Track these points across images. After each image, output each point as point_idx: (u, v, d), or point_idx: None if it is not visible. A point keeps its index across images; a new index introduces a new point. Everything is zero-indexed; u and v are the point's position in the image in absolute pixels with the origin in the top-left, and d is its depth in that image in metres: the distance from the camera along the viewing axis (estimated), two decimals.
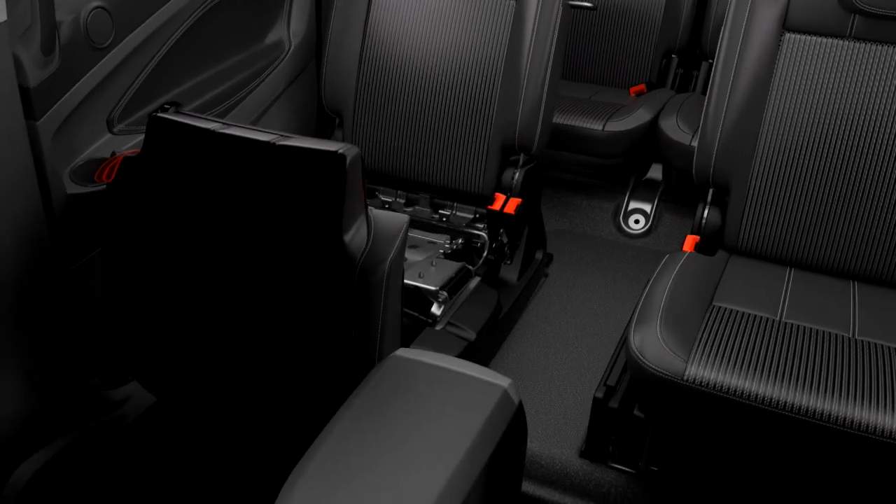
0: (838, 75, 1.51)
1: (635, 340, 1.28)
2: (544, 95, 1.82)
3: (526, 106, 1.81)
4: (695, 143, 2.16)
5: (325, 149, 1.03)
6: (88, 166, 1.45)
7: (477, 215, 1.98)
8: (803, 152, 1.53)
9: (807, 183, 1.53)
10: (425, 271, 1.75)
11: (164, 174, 1.14)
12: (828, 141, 1.52)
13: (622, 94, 2.56)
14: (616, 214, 2.48)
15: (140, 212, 1.18)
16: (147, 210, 1.17)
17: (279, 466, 1.32)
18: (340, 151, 1.03)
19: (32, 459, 1.36)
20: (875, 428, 1.14)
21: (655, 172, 2.56)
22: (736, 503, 1.46)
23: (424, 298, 1.72)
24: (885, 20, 1.48)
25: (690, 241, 1.65)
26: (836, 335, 1.32)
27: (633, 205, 2.47)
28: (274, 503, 0.86)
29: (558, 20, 1.80)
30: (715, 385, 1.21)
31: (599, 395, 1.50)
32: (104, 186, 1.43)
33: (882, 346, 1.30)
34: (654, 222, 2.44)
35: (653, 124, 2.28)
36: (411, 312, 1.72)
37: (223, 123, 1.13)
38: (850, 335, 1.33)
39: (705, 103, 1.61)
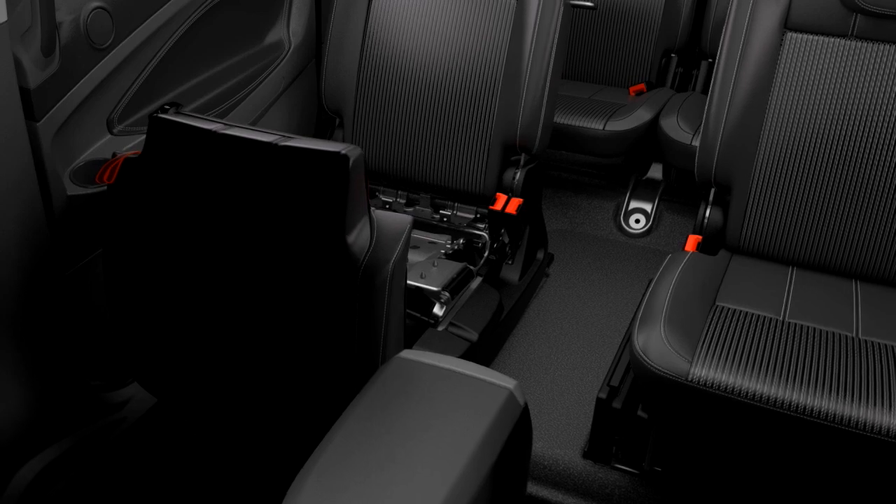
0: (840, 75, 1.51)
1: (639, 341, 1.28)
2: (545, 95, 1.81)
3: (527, 105, 1.81)
4: (695, 143, 2.16)
5: (327, 149, 1.03)
6: (89, 167, 1.44)
7: (478, 215, 1.97)
8: (805, 151, 1.53)
9: (808, 182, 1.53)
10: (427, 272, 1.75)
11: (166, 175, 1.13)
12: (829, 140, 1.51)
13: (622, 93, 2.56)
14: (617, 214, 2.47)
15: (141, 213, 1.17)
16: (148, 211, 1.16)
17: (282, 468, 1.32)
18: (343, 152, 1.02)
19: (34, 462, 1.36)
20: (880, 428, 1.14)
21: (655, 172, 2.55)
22: (740, 503, 1.46)
23: (426, 299, 1.71)
24: (888, 19, 1.48)
25: (692, 241, 1.65)
26: (840, 335, 1.32)
27: (633, 204, 2.47)
28: None
29: (559, 20, 1.79)
30: (719, 385, 1.20)
31: (603, 395, 1.50)
32: (105, 187, 1.43)
33: (886, 345, 1.30)
34: (655, 222, 2.44)
35: (653, 124, 2.28)
36: (413, 313, 1.72)
37: (224, 124, 1.12)
38: (854, 335, 1.33)
39: (707, 103, 1.61)
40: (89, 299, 1.46)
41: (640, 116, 2.26)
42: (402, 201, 2.03)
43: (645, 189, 2.50)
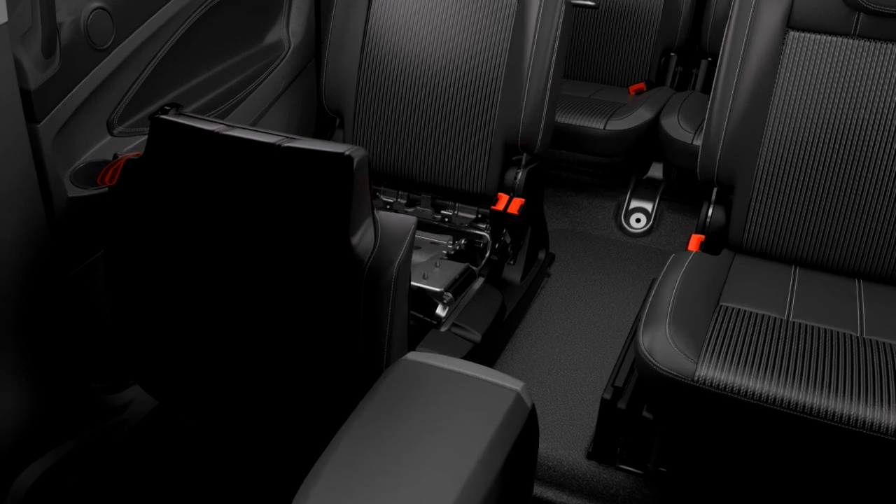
0: (843, 73, 1.51)
1: (644, 341, 1.27)
2: (547, 95, 1.81)
3: (529, 105, 1.81)
4: (697, 142, 2.16)
5: (331, 150, 1.02)
6: (89, 169, 1.43)
7: (479, 215, 1.97)
8: (808, 151, 1.53)
9: (811, 181, 1.53)
10: (429, 272, 1.74)
11: (168, 176, 1.13)
12: (832, 139, 1.51)
13: (622, 92, 2.56)
14: (617, 213, 2.47)
15: (143, 215, 1.16)
16: (150, 213, 1.15)
17: (287, 471, 1.31)
18: (347, 153, 1.01)
19: (34, 466, 1.35)
20: (887, 428, 1.14)
21: (656, 171, 2.55)
22: (746, 503, 1.46)
23: (429, 300, 1.71)
24: (890, 18, 1.48)
25: (695, 241, 1.64)
26: (845, 334, 1.32)
27: (634, 203, 2.47)
28: None
29: (561, 19, 1.79)
30: (725, 386, 1.20)
31: (607, 396, 1.50)
32: (106, 189, 1.42)
33: (891, 345, 1.30)
34: (656, 221, 2.44)
35: (654, 123, 2.27)
36: (416, 314, 1.71)
37: (227, 125, 1.11)
38: (858, 334, 1.33)
39: (709, 102, 1.61)
40: (90, 301, 1.45)
41: (641, 116, 2.26)
42: (403, 201, 2.02)
43: (645, 188, 2.50)
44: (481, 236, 1.94)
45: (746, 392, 1.19)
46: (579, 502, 1.54)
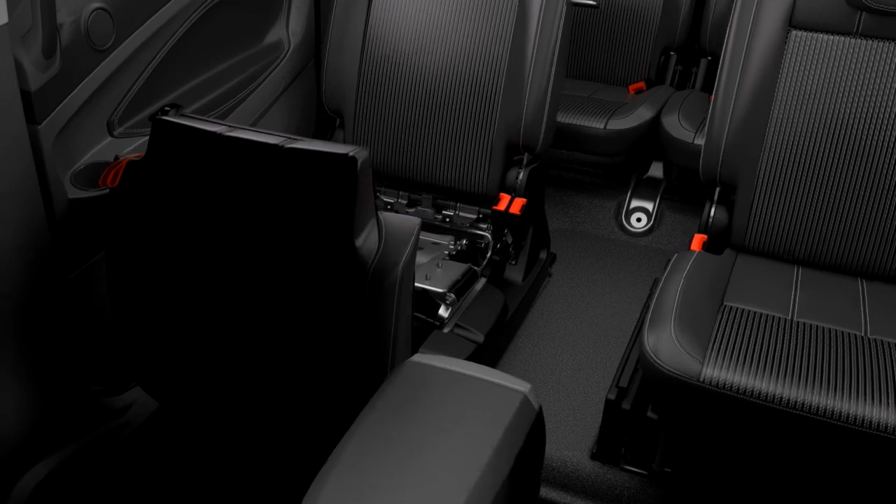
0: (845, 72, 1.51)
1: (649, 341, 1.27)
2: (548, 94, 1.80)
3: (530, 105, 1.80)
4: (698, 141, 2.16)
5: (335, 151, 1.01)
6: (90, 170, 1.42)
7: (480, 215, 1.96)
8: (810, 150, 1.53)
9: (813, 181, 1.53)
10: (432, 273, 1.74)
11: (170, 178, 1.12)
12: (834, 138, 1.51)
13: (621, 91, 2.55)
14: (618, 213, 2.47)
15: (145, 216, 1.15)
16: (152, 214, 1.15)
17: (290, 474, 1.31)
18: (351, 154, 1.01)
19: (36, 470, 1.34)
20: (894, 428, 1.13)
21: (656, 170, 2.55)
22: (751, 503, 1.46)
23: (431, 301, 1.70)
24: (892, 17, 1.48)
25: (698, 240, 1.64)
26: (849, 334, 1.32)
27: (634, 203, 2.47)
28: None
29: (562, 18, 1.78)
30: (731, 386, 1.20)
31: (612, 396, 1.49)
32: (107, 191, 1.41)
33: (895, 344, 1.30)
34: (657, 220, 2.43)
35: (654, 122, 2.27)
36: (418, 315, 1.71)
37: (229, 126, 1.11)
38: (863, 334, 1.33)
39: (712, 102, 1.60)
40: (90, 303, 1.45)
41: (642, 115, 2.25)
42: (404, 202, 2.01)
43: (646, 188, 2.50)
44: (482, 236, 1.94)
45: (752, 392, 1.19)
46: (583, 503, 1.54)
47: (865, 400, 1.16)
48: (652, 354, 1.25)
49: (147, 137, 1.53)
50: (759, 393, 1.19)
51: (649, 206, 2.45)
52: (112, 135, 1.48)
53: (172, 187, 1.12)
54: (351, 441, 0.92)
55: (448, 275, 1.73)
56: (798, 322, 1.34)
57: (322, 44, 2.13)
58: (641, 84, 2.56)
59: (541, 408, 1.01)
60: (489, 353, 1.74)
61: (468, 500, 0.84)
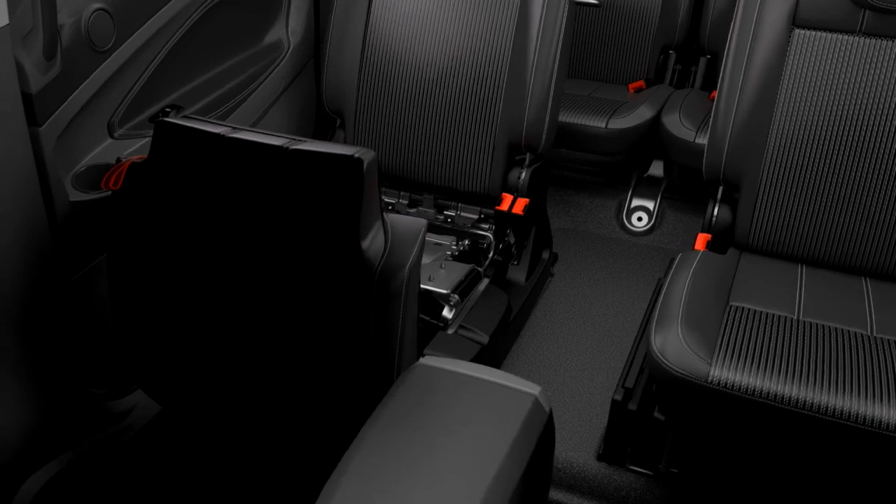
0: (848, 71, 1.50)
1: (656, 342, 1.27)
2: (551, 94, 1.79)
3: (533, 105, 1.79)
4: (699, 140, 2.15)
5: (341, 153, 1.01)
6: (90, 172, 1.41)
7: (482, 216, 1.95)
8: (814, 149, 1.52)
9: (817, 180, 1.53)
10: (435, 274, 1.73)
11: (173, 180, 1.11)
12: (838, 137, 1.51)
13: (621, 90, 2.55)
14: (619, 212, 2.47)
15: (148, 219, 1.14)
16: (155, 217, 1.14)
17: (296, 479, 1.30)
18: (357, 155, 1.00)
19: (38, 475, 1.33)
20: None
21: (656, 169, 2.55)
22: None
23: (435, 302, 1.69)
24: None
25: (702, 240, 1.64)
26: (856, 333, 1.32)
27: (635, 202, 2.46)
28: None
29: (564, 17, 1.78)
30: (740, 387, 1.19)
31: (618, 397, 1.49)
32: (107, 193, 1.40)
33: None
34: (658, 219, 2.43)
35: (655, 121, 2.27)
36: (422, 316, 1.70)
37: (232, 127, 1.10)
38: (869, 333, 1.33)
39: (715, 101, 1.60)
40: (91, 306, 1.43)
41: (642, 114, 2.25)
42: (405, 202, 2.00)
43: (647, 187, 2.49)
44: (484, 237, 1.93)
45: (760, 393, 1.19)
46: None
47: (874, 400, 1.16)
48: (659, 355, 1.25)
49: (148, 139, 1.52)
50: (768, 393, 1.18)
51: (650, 205, 2.45)
52: (112, 136, 1.47)
53: (175, 189, 1.11)
54: (362, 445, 0.91)
55: (451, 276, 1.72)
56: (804, 322, 1.34)
57: (322, 44, 2.11)
58: (641, 83, 2.56)
59: (551, 410, 1.01)
60: (494, 354, 1.74)
61: (482, 502, 0.83)
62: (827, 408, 1.16)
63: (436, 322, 1.68)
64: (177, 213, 1.12)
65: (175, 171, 1.10)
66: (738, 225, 1.61)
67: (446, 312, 1.68)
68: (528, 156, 1.88)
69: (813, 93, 1.52)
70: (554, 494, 1.56)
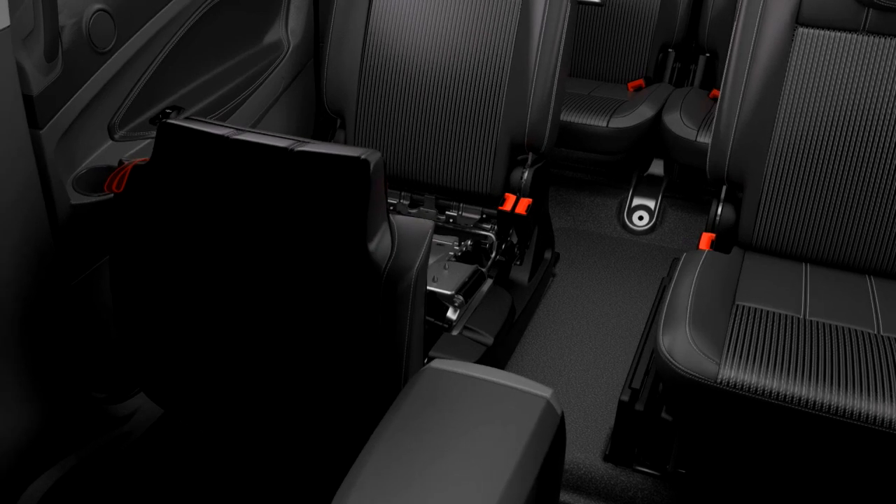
0: (852, 69, 1.50)
1: (664, 342, 1.26)
2: (553, 94, 1.79)
3: (535, 104, 1.79)
4: (700, 139, 2.15)
5: (347, 154, 1.00)
6: (91, 175, 1.40)
7: (484, 215, 1.95)
8: (818, 147, 1.52)
9: (821, 178, 1.53)
10: (438, 275, 1.72)
11: (176, 182, 1.10)
12: (842, 135, 1.51)
13: (620, 89, 2.55)
14: (620, 211, 2.46)
15: (151, 222, 1.13)
16: (158, 220, 1.12)
17: (302, 484, 1.29)
18: (363, 157, 0.99)
19: (41, 480, 1.32)
20: None
21: (657, 168, 2.54)
22: None
23: (439, 303, 1.68)
24: None
25: (706, 239, 1.63)
26: (862, 332, 1.31)
27: (636, 201, 2.46)
28: None
29: (566, 16, 1.77)
30: (749, 387, 1.19)
31: (625, 398, 1.48)
32: (109, 196, 1.39)
33: None
34: (659, 218, 2.43)
35: (656, 120, 2.26)
36: (426, 318, 1.69)
37: (236, 129, 1.09)
38: (875, 332, 1.32)
39: (719, 100, 1.59)
40: (93, 309, 1.42)
41: (643, 113, 2.25)
42: (406, 202, 1.99)
43: (647, 186, 2.49)
44: (486, 237, 1.92)
45: (771, 393, 1.18)
46: None
47: (885, 399, 1.16)
48: (667, 355, 1.24)
49: (148, 140, 1.51)
50: (777, 393, 1.18)
51: (651, 204, 2.45)
52: (113, 138, 1.45)
53: (179, 192, 1.10)
54: (374, 450, 0.90)
55: (455, 276, 1.72)
56: (811, 321, 1.34)
57: (321, 43, 2.10)
58: (641, 81, 2.55)
59: (563, 413, 1.00)
60: (498, 355, 1.73)
61: None
62: (837, 408, 1.16)
63: (440, 323, 1.67)
64: (180, 216, 1.10)
65: (179, 174, 1.09)
66: (741, 224, 1.60)
67: (450, 314, 1.67)
68: (530, 155, 1.87)
69: (816, 91, 1.52)
70: (561, 496, 1.55)
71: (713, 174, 1.62)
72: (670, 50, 2.61)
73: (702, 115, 2.26)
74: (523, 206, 1.81)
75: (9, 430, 1.26)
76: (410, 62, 1.88)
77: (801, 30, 1.54)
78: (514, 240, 1.92)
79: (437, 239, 1.90)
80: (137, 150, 1.49)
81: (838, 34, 1.52)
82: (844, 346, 1.27)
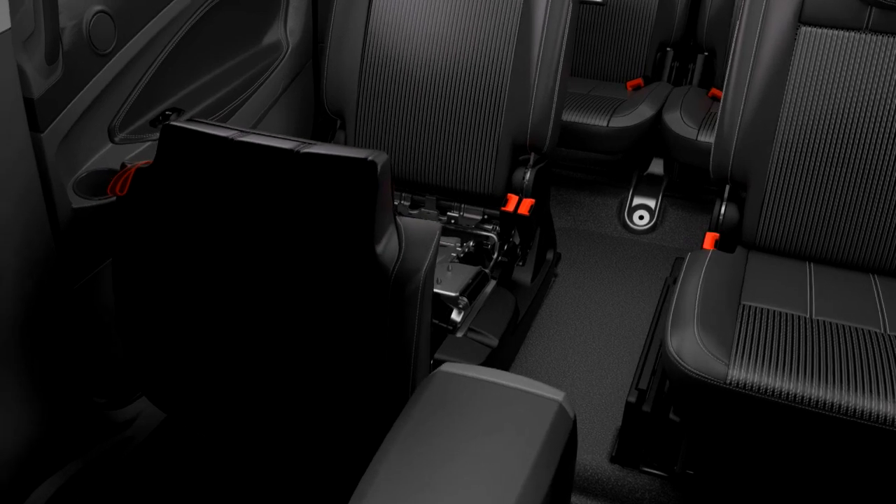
0: (855, 68, 1.50)
1: (672, 344, 1.26)
2: (556, 93, 1.78)
3: (537, 104, 1.78)
4: (701, 138, 2.15)
5: (354, 156, 0.99)
6: (92, 178, 1.38)
7: (485, 216, 1.94)
8: (820, 146, 1.52)
9: (824, 177, 1.53)
10: (442, 277, 1.71)
11: (180, 185, 1.08)
12: (845, 134, 1.51)
13: (619, 88, 2.54)
14: (620, 211, 2.46)
15: (154, 224, 1.12)
16: (162, 222, 1.11)
17: (308, 490, 1.27)
18: (370, 158, 0.98)
19: (43, 486, 1.30)
20: None
21: (657, 167, 2.54)
22: None
23: (443, 305, 1.67)
24: None
25: (710, 239, 1.63)
26: (869, 331, 1.31)
27: (637, 200, 2.46)
28: None
29: (568, 16, 1.76)
30: (759, 388, 1.19)
31: (632, 399, 1.48)
32: (110, 199, 1.37)
33: None
34: (659, 218, 2.43)
35: (656, 119, 2.26)
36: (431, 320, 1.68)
37: (240, 131, 1.08)
38: (882, 331, 1.32)
39: (722, 99, 1.59)
40: (94, 313, 1.41)
41: (643, 112, 2.24)
42: (407, 203, 1.98)
43: (647, 185, 2.49)
44: (488, 237, 1.91)
45: (780, 393, 1.18)
46: None
47: (894, 399, 1.16)
48: (676, 356, 1.24)
49: (148, 143, 1.49)
50: (787, 394, 1.18)
51: (651, 203, 2.44)
52: (113, 141, 1.44)
53: (183, 194, 1.08)
54: (387, 457, 0.89)
55: (459, 278, 1.71)
56: (818, 321, 1.34)
57: (320, 44, 2.09)
58: (639, 80, 2.55)
59: (575, 416, 0.99)
60: (503, 356, 1.72)
61: None
62: (847, 408, 1.16)
63: (444, 325, 1.66)
64: (184, 219, 1.09)
65: (182, 176, 1.08)
66: (745, 223, 1.60)
67: (455, 316, 1.66)
68: (532, 155, 1.87)
69: (819, 90, 1.52)
70: None
71: (716, 173, 1.62)
72: (668, 48, 2.61)
73: (702, 114, 2.26)
74: (526, 206, 1.80)
75: (10, 437, 1.24)
76: (411, 62, 1.87)
77: (803, 28, 1.53)
78: (517, 240, 1.92)
79: (441, 240, 1.89)
80: (138, 152, 1.48)
81: (841, 33, 1.51)
82: (852, 345, 1.27)
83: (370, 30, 1.89)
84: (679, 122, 2.19)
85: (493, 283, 1.80)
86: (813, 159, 1.53)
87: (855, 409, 1.15)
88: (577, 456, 1.59)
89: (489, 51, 1.81)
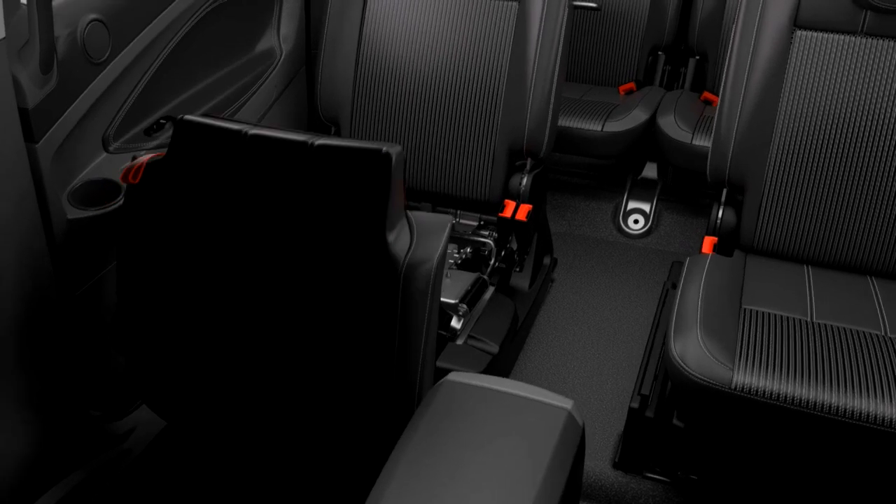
0: (851, 72, 1.51)
1: (676, 349, 1.25)
2: (552, 99, 1.78)
3: (534, 110, 1.78)
4: (696, 142, 2.16)
5: (369, 147, 0.98)
6: (87, 188, 1.36)
7: (482, 222, 1.93)
8: (817, 149, 1.53)
9: (821, 181, 1.53)
10: (441, 283, 1.70)
11: (192, 178, 1.07)
12: (841, 137, 1.51)
13: (612, 92, 2.55)
14: (615, 215, 2.46)
15: (165, 217, 1.11)
16: (172, 215, 1.10)
17: (312, 498, 1.26)
18: (385, 150, 0.98)
19: (42, 501, 1.27)
20: None
21: (650, 171, 2.55)
22: None
23: (442, 312, 1.66)
24: None
25: (708, 243, 1.63)
26: (870, 334, 1.32)
27: (631, 205, 2.46)
28: None
29: (564, 21, 1.76)
30: (764, 392, 1.18)
31: (635, 405, 1.47)
32: (106, 210, 1.35)
33: None
34: (654, 222, 2.43)
35: (650, 123, 2.26)
36: None
37: (251, 124, 1.07)
38: (883, 333, 1.33)
39: (718, 103, 1.59)
40: (89, 325, 1.39)
41: (637, 116, 2.25)
42: None
43: (642, 189, 2.49)
44: (485, 244, 1.91)
45: (785, 398, 1.18)
46: None
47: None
48: (679, 362, 1.23)
49: (143, 152, 1.47)
50: (792, 398, 1.17)
51: (646, 207, 2.45)
52: (107, 150, 1.42)
53: (195, 187, 1.07)
54: (397, 469, 0.88)
55: (458, 285, 1.70)
56: (819, 324, 1.34)
57: (314, 50, 2.08)
58: (632, 85, 2.55)
59: (584, 424, 0.98)
60: (503, 363, 1.71)
61: None
62: (852, 411, 1.16)
63: (444, 333, 1.65)
64: (195, 211, 1.08)
65: (195, 169, 1.07)
66: (743, 227, 1.60)
67: (454, 323, 1.65)
68: (528, 161, 1.86)
69: (815, 94, 1.52)
70: None
71: (714, 177, 1.62)
72: (660, 53, 2.62)
73: (696, 117, 2.27)
74: (523, 212, 1.80)
75: (7, 451, 1.22)
76: (406, 69, 1.86)
77: (799, 32, 1.54)
78: (514, 246, 1.91)
79: None
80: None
81: (837, 36, 1.52)
82: (854, 348, 1.27)
83: (364, 36, 1.88)
84: (674, 127, 2.20)
85: (491, 289, 1.79)
86: (810, 162, 1.53)
87: (860, 413, 1.15)
88: None
89: (485, 56, 1.81)
